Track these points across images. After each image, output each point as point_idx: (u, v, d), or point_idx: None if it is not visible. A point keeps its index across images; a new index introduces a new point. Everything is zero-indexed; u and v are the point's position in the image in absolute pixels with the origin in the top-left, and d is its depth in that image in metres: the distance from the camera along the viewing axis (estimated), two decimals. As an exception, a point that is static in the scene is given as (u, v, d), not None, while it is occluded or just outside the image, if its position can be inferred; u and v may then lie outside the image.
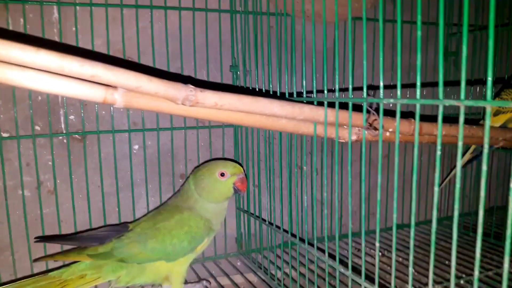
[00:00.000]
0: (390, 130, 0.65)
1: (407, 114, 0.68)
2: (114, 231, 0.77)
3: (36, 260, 0.79)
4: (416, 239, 1.09)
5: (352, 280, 0.61)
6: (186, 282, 0.85)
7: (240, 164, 0.80)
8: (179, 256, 0.75)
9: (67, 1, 0.84)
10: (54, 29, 0.85)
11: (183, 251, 0.75)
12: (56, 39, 0.85)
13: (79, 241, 0.76)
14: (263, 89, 0.85)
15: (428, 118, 0.66)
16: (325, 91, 0.64)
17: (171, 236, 0.74)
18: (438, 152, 0.43)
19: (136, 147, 0.93)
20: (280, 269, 0.85)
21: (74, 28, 0.86)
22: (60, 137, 0.87)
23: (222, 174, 0.76)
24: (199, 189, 0.77)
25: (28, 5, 0.82)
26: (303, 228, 0.73)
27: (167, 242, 0.73)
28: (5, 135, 0.83)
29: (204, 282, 0.83)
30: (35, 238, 0.84)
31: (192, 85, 0.57)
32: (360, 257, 0.59)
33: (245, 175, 0.79)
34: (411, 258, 0.50)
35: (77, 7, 0.85)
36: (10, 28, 0.82)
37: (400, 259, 0.98)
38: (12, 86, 0.79)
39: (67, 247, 0.79)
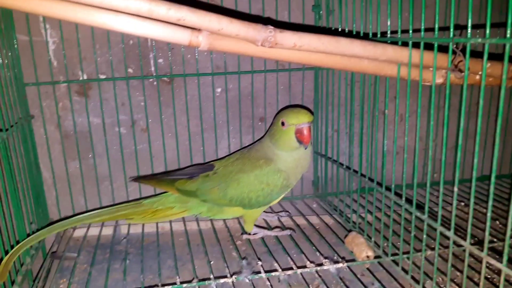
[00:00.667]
0: (480, 73, 0.61)
1: (498, 56, 0.63)
2: (200, 169, 0.84)
3: (133, 179, 0.90)
4: (505, 192, 1.03)
5: (428, 225, 0.61)
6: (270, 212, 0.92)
7: (311, 112, 0.77)
8: (254, 207, 0.79)
9: None
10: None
11: (258, 204, 0.78)
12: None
13: (170, 176, 0.83)
14: (346, 29, 0.83)
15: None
16: (410, 31, 0.61)
17: (249, 190, 0.77)
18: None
19: (219, 90, 0.97)
20: (356, 212, 0.86)
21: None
22: (151, 80, 0.94)
23: (283, 123, 0.74)
24: (271, 136, 0.78)
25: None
26: (382, 173, 0.73)
27: (244, 195, 0.77)
28: (102, 76, 0.91)
29: (289, 231, 0.86)
30: (130, 178, 0.95)
31: (272, 26, 0.57)
32: (438, 205, 0.59)
33: (309, 126, 0.74)
34: (489, 207, 0.48)
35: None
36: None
37: (484, 211, 0.94)
38: (107, 31, 0.86)
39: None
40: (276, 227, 0.90)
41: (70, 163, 0.94)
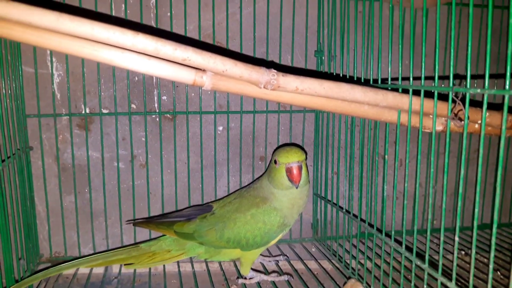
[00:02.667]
0: (479, 122, 0.62)
1: (497, 106, 0.64)
2: (199, 210, 0.83)
3: (130, 222, 0.88)
4: (505, 241, 1.02)
5: (428, 274, 0.59)
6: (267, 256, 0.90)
7: (304, 151, 0.76)
8: (252, 248, 0.78)
9: (163, -12, 0.90)
10: (151, 14, 0.91)
11: (256, 245, 0.77)
12: (153, 24, 0.91)
13: (168, 218, 0.83)
14: (347, 75, 0.84)
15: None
16: (411, 78, 0.62)
17: (246, 230, 0.76)
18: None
19: (221, 128, 0.98)
20: (355, 258, 0.84)
21: (169, 13, 0.91)
22: (153, 116, 0.94)
23: (275, 162, 0.74)
24: (267, 174, 0.78)
25: (130, -8, 0.89)
26: (382, 218, 0.72)
27: (241, 235, 0.76)
28: (104, 111, 0.92)
29: (287, 276, 0.84)
30: (126, 221, 0.94)
31: (275, 69, 0.58)
32: (439, 253, 0.57)
33: (300, 165, 0.72)
34: (491, 258, 0.47)
35: (173, -6, 0.91)
36: (113, 13, 0.89)
37: (485, 261, 0.92)
38: (112, 66, 0.87)
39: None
40: (273, 271, 0.87)
41: (65, 197, 0.93)
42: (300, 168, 0.72)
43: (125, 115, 0.92)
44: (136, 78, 0.92)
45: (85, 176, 0.93)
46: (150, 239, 0.85)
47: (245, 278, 0.82)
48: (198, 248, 0.80)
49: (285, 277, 0.83)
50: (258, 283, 0.81)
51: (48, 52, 0.88)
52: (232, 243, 0.77)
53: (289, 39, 0.97)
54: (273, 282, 0.82)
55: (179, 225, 0.79)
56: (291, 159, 0.72)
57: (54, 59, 0.88)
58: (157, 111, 0.94)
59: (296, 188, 0.73)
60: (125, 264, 0.79)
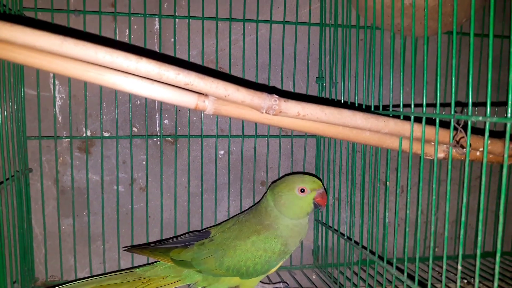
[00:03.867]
0: (480, 149, 0.61)
1: (498, 134, 0.64)
2: (196, 236, 0.82)
3: (126, 248, 0.86)
4: (508, 270, 1.00)
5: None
6: (267, 283, 0.89)
7: (319, 178, 0.79)
8: (252, 276, 0.76)
9: (167, 13, 0.92)
10: (155, 39, 0.92)
11: (256, 273, 0.76)
12: (156, 49, 0.93)
13: (165, 244, 0.81)
14: (349, 101, 0.84)
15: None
16: (412, 105, 0.63)
17: (246, 258, 0.75)
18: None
19: (222, 152, 0.98)
20: (356, 286, 0.83)
21: (172, 39, 0.92)
22: (155, 139, 0.94)
23: (302, 190, 0.75)
24: (279, 205, 0.76)
25: (133, 17, 0.90)
26: (383, 246, 0.71)
27: (241, 263, 0.75)
28: (106, 134, 0.92)
29: (283, 285, 0.83)
30: (123, 248, 0.92)
31: (277, 95, 0.58)
32: (441, 281, 0.56)
33: (324, 189, 0.78)
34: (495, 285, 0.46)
35: (176, 20, 0.92)
36: (117, 37, 0.90)
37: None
38: (115, 90, 0.88)
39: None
40: None
41: (63, 220, 0.92)
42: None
43: (126, 138, 0.92)
44: (139, 102, 0.93)
45: (84, 199, 0.92)
46: (146, 264, 0.83)
47: None
48: (195, 275, 0.79)
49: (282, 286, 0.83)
50: None
51: (51, 75, 0.88)
52: (232, 271, 0.75)
53: (291, 66, 0.98)
54: None
55: (176, 251, 0.77)
56: (320, 185, 0.77)
57: (57, 82, 0.89)
58: (158, 134, 0.94)
59: (322, 210, 0.77)
60: None
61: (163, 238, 0.95)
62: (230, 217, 0.97)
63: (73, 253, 0.92)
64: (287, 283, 0.91)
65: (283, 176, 0.84)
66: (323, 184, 0.78)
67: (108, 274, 0.79)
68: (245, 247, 0.75)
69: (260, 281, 0.86)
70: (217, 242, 0.78)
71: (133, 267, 0.83)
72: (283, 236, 0.76)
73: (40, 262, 0.91)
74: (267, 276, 0.94)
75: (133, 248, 0.85)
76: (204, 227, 0.97)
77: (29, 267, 0.87)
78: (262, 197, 0.85)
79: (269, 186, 0.82)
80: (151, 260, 0.90)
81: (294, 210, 0.76)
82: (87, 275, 0.93)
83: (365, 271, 0.93)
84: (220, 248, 0.76)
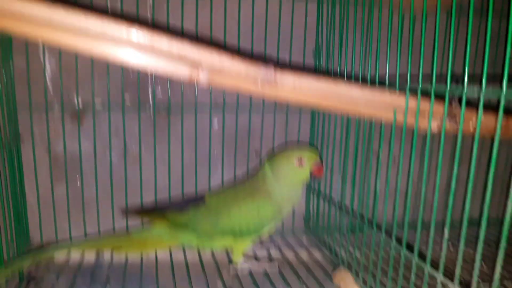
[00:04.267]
0: (474, 121, 0.62)
1: (492, 108, 0.64)
2: (192, 200, 0.83)
3: (123, 211, 0.89)
4: (493, 234, 1.03)
5: (417, 265, 0.60)
6: (256, 259, 0.91)
7: (316, 149, 0.81)
8: (245, 236, 0.79)
9: (160, -20, 0.89)
10: (147, 12, 0.90)
11: (248, 233, 0.79)
12: (149, 16, 0.90)
13: (161, 210, 0.83)
14: (345, 74, 0.84)
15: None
16: (408, 78, 0.62)
17: (240, 219, 0.77)
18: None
19: (216, 124, 0.97)
20: (345, 248, 0.85)
21: (165, 11, 0.90)
22: (147, 110, 0.93)
23: (300, 161, 0.77)
24: (276, 175, 0.78)
25: (125, -16, 0.88)
26: (373, 213, 0.73)
27: (235, 224, 0.77)
28: (98, 104, 0.91)
29: (277, 264, 0.85)
30: (119, 209, 0.94)
31: (273, 66, 0.58)
32: (428, 244, 0.59)
33: (321, 160, 0.79)
34: (479, 250, 0.48)
35: (169, -13, 0.90)
36: (108, 6, 0.88)
37: (470, 251, 0.94)
38: (106, 60, 0.86)
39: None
40: (265, 260, 0.88)
41: (56, 187, 0.92)
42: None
43: (118, 109, 0.91)
44: (131, 72, 0.91)
45: (77, 167, 0.92)
46: (142, 224, 0.85)
47: (237, 266, 0.83)
48: (190, 237, 0.81)
49: (276, 265, 0.85)
50: (250, 271, 0.82)
51: (41, 44, 0.86)
52: (226, 231, 0.78)
53: (288, 38, 0.96)
54: (264, 270, 0.82)
55: (172, 214, 0.80)
56: (316, 156, 0.79)
57: (46, 52, 0.87)
58: (151, 105, 0.93)
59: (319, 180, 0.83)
60: (114, 249, 0.80)
61: (157, 205, 0.96)
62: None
63: (68, 219, 0.92)
64: (279, 247, 0.93)
65: (281, 147, 0.85)
66: (320, 155, 0.79)
67: (105, 236, 0.81)
68: (239, 209, 0.77)
69: (254, 259, 0.89)
70: (212, 206, 0.80)
71: (127, 228, 0.85)
72: (277, 203, 0.78)
73: (35, 228, 0.92)
74: (260, 241, 0.96)
75: (131, 211, 0.87)
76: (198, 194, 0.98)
77: (24, 233, 0.88)
78: (259, 166, 0.86)
79: (267, 155, 0.83)
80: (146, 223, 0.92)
81: (291, 180, 0.78)
82: (82, 238, 0.94)
83: (354, 233, 0.95)
84: (215, 211, 0.79)
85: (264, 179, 0.80)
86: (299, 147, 0.81)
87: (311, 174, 0.78)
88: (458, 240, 0.53)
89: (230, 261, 0.86)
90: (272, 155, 0.81)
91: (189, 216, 0.79)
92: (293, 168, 0.77)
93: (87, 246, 0.78)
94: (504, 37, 0.45)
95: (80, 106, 0.90)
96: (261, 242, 0.97)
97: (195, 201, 0.83)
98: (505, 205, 0.43)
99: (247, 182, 0.83)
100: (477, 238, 0.48)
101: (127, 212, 0.87)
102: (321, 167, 0.79)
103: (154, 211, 0.82)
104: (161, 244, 0.82)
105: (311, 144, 1.01)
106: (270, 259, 0.88)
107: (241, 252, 0.82)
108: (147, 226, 0.84)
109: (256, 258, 0.89)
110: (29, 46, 0.85)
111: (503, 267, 0.76)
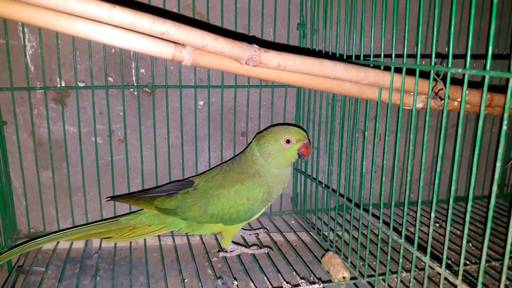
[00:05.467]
0: (458, 100, 0.62)
1: (476, 85, 0.64)
2: (180, 185, 0.83)
3: (110, 198, 0.88)
4: (477, 214, 1.05)
5: (404, 248, 0.61)
6: (248, 229, 0.92)
7: (303, 129, 0.81)
8: (235, 223, 0.78)
9: (141, -44, 0.86)
10: (128, -16, 0.88)
11: (239, 219, 0.78)
12: (130, -6, 0.88)
13: (149, 193, 0.82)
14: (330, 50, 0.83)
15: (502, 89, 0.62)
16: (393, 56, 0.62)
17: (229, 206, 0.76)
18: (504, 127, 0.41)
19: (201, 102, 0.96)
20: (333, 231, 0.86)
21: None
22: (131, 89, 0.92)
23: (288, 141, 0.77)
24: (265, 155, 0.78)
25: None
26: (360, 193, 0.73)
27: (225, 211, 0.77)
28: (81, 84, 0.89)
29: (267, 249, 0.85)
30: (106, 198, 0.93)
31: (257, 45, 0.57)
32: (415, 225, 0.59)
33: (308, 139, 0.80)
34: (465, 231, 0.49)
35: (150, -38, 0.87)
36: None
37: (458, 232, 0.96)
38: (88, 40, 0.84)
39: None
40: (254, 244, 0.88)
41: (42, 173, 0.91)
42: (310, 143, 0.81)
43: (102, 88, 0.90)
44: (113, 50, 0.90)
45: (62, 151, 0.91)
46: (130, 213, 0.84)
47: (226, 251, 0.83)
48: (179, 222, 0.80)
49: (265, 250, 0.85)
50: (239, 255, 0.82)
51: (20, 22, 0.84)
52: (216, 218, 0.77)
53: (272, 11, 0.95)
54: (253, 254, 0.83)
55: (160, 200, 0.79)
56: (303, 136, 0.79)
57: (26, 30, 0.84)
58: (135, 84, 0.91)
59: (304, 160, 0.84)
60: (104, 238, 0.79)
61: (145, 188, 0.96)
62: (213, 167, 0.98)
63: (55, 205, 0.92)
64: (267, 229, 0.94)
65: (269, 127, 0.84)
66: (307, 135, 0.79)
67: (93, 223, 0.80)
68: (228, 195, 0.77)
69: (242, 228, 0.89)
70: (201, 190, 0.79)
71: (117, 216, 0.84)
72: (267, 184, 0.78)
73: (21, 214, 0.91)
74: (249, 223, 0.97)
75: (117, 198, 0.85)
76: (185, 178, 0.98)
77: (11, 220, 0.87)
78: (247, 147, 0.85)
79: (255, 136, 0.83)
80: (134, 209, 0.92)
81: (279, 159, 0.78)
82: (69, 226, 0.94)
83: (342, 216, 0.97)
84: (204, 196, 0.78)
85: (253, 160, 0.79)
86: (287, 127, 0.80)
87: (299, 154, 0.78)
88: (446, 221, 0.53)
89: (220, 248, 0.86)
90: (260, 136, 0.81)
91: (177, 202, 0.78)
92: (281, 148, 0.77)
93: (75, 236, 0.77)
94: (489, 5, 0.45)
95: (63, 85, 0.88)
96: (250, 227, 0.97)
97: (184, 185, 0.82)
98: (491, 183, 0.43)
99: (235, 164, 0.82)
100: (464, 216, 0.49)
101: (114, 199, 0.86)
102: (309, 146, 0.79)
103: (143, 197, 0.81)
104: (151, 231, 0.81)
105: (297, 122, 1.01)
106: (259, 244, 0.88)
107: (230, 238, 0.82)
108: (136, 212, 0.83)
109: (245, 243, 0.89)
110: (7, 25, 0.82)
111: (490, 247, 0.78)
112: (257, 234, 0.92)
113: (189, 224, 0.80)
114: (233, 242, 0.83)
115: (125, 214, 0.84)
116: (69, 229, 0.78)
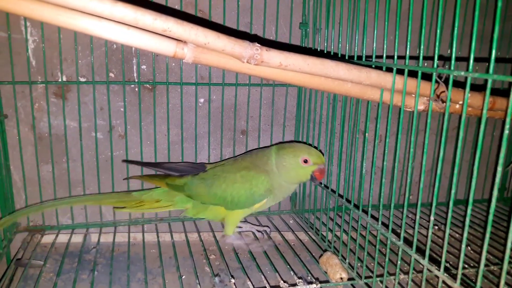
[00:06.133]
0: (460, 102, 0.62)
1: (478, 88, 0.64)
2: (193, 168, 0.87)
3: (126, 178, 0.92)
4: (477, 217, 1.05)
5: (403, 250, 0.61)
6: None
7: (323, 154, 0.82)
8: (237, 208, 0.80)
9: (144, -49, 0.86)
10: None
11: (240, 205, 0.79)
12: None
13: (161, 167, 0.87)
14: (332, 49, 0.83)
15: (504, 93, 0.62)
16: (395, 57, 0.62)
17: (232, 188, 0.79)
18: (506, 131, 0.41)
19: (202, 100, 0.96)
20: (331, 231, 0.86)
21: (149, -21, 0.88)
22: (132, 85, 0.92)
23: (305, 161, 0.78)
24: (280, 166, 0.79)
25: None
26: (359, 194, 0.73)
27: (227, 193, 0.79)
28: (82, 79, 0.89)
29: (267, 228, 0.88)
30: (122, 160, 0.94)
31: (259, 44, 0.57)
32: (414, 228, 0.59)
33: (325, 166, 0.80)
34: (465, 234, 0.49)
35: (154, -42, 0.87)
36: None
37: (456, 235, 0.95)
38: (90, 35, 0.84)
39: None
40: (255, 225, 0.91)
41: (42, 167, 0.91)
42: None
43: (103, 84, 0.89)
44: (115, 46, 0.89)
45: (62, 146, 0.91)
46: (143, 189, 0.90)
47: (228, 236, 0.85)
48: (186, 202, 0.84)
49: (266, 228, 0.90)
50: (236, 253, 0.83)
51: (22, 16, 0.83)
52: (218, 199, 0.80)
53: (274, 10, 0.94)
54: (251, 253, 0.83)
55: (171, 178, 0.83)
56: (323, 160, 0.79)
57: (28, 24, 0.84)
58: (136, 80, 0.91)
59: (316, 184, 0.85)
60: (115, 207, 0.84)
61: (143, 186, 0.95)
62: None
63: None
64: (268, 227, 0.94)
65: (291, 141, 0.86)
66: (325, 161, 0.80)
67: (105, 193, 0.86)
68: (233, 178, 0.79)
69: (247, 222, 0.92)
70: (210, 173, 0.83)
71: (130, 191, 0.89)
72: (271, 186, 0.79)
73: (21, 208, 0.91)
74: (257, 219, 0.97)
75: (133, 177, 0.91)
76: (199, 162, 0.99)
77: (10, 213, 0.87)
78: (265, 148, 0.86)
79: (277, 143, 0.86)
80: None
81: (291, 175, 0.79)
82: (69, 221, 0.94)
83: (340, 217, 0.97)
84: (211, 177, 0.81)
85: (267, 161, 0.81)
86: (309, 147, 0.81)
87: (312, 176, 0.79)
88: (445, 224, 0.53)
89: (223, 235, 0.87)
90: (281, 147, 0.82)
91: (186, 180, 0.82)
92: (297, 166, 0.78)
93: (87, 202, 0.83)
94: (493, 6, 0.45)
95: (64, 79, 0.88)
96: (259, 222, 0.97)
97: (196, 168, 0.86)
98: (491, 187, 0.43)
99: (249, 157, 0.84)
100: (463, 219, 0.49)
101: (128, 177, 0.92)
102: (323, 172, 0.80)
103: (156, 176, 0.87)
104: (159, 206, 0.84)
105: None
106: (257, 241, 0.89)
107: (233, 225, 0.83)
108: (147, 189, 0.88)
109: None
110: (10, 18, 0.82)
111: (488, 251, 0.77)
112: (265, 230, 0.93)
113: (194, 205, 0.84)
114: (236, 232, 0.86)
115: (137, 190, 0.88)
116: (81, 196, 0.84)
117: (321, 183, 0.85)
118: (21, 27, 0.84)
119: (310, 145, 0.89)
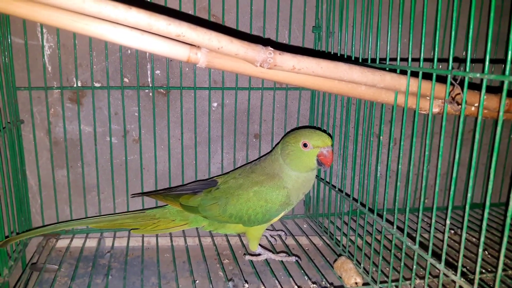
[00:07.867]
0: (476, 105, 0.61)
1: (494, 90, 0.63)
2: (204, 184, 0.84)
3: (137, 195, 0.91)
4: (494, 221, 1.03)
5: (418, 254, 0.60)
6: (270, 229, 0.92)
7: (330, 135, 0.76)
8: (254, 225, 0.78)
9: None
10: (145, -14, 0.88)
11: (257, 222, 0.77)
12: (146, -5, 0.89)
13: (172, 192, 0.84)
14: (345, 53, 0.83)
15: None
16: (409, 60, 0.61)
17: (247, 207, 0.76)
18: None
19: (215, 104, 0.97)
20: (346, 236, 0.85)
21: (163, -15, 0.88)
22: (146, 90, 0.93)
23: (305, 145, 0.73)
24: (284, 155, 0.76)
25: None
26: (374, 198, 0.72)
27: (243, 212, 0.76)
28: (97, 85, 0.90)
29: (295, 258, 0.83)
30: (132, 195, 0.94)
31: (272, 47, 0.57)
32: (429, 232, 0.58)
33: (332, 148, 0.75)
34: (482, 238, 0.48)
35: (167, -36, 0.88)
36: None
37: (473, 240, 0.94)
38: (104, 41, 0.85)
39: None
40: (282, 251, 0.87)
41: (57, 171, 0.92)
42: (333, 152, 0.75)
43: (117, 89, 0.90)
44: (129, 51, 0.90)
45: (77, 151, 0.92)
46: (156, 207, 0.88)
47: (252, 255, 0.83)
48: (201, 220, 0.81)
49: (294, 258, 0.83)
50: (267, 260, 0.82)
51: (38, 23, 0.85)
52: (234, 218, 0.77)
53: (287, 14, 0.95)
54: (281, 261, 0.82)
55: (185, 197, 0.80)
56: (326, 142, 0.74)
57: (44, 31, 0.86)
58: (150, 85, 0.92)
59: (325, 170, 0.78)
60: (131, 229, 0.81)
61: (158, 189, 0.96)
62: (237, 167, 0.98)
63: (69, 203, 0.93)
64: (284, 231, 0.93)
65: (298, 128, 0.83)
66: (331, 143, 0.75)
67: (119, 213, 0.83)
68: (247, 196, 0.76)
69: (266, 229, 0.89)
70: (222, 190, 0.79)
71: (143, 209, 0.87)
72: (286, 187, 0.76)
73: (36, 212, 0.92)
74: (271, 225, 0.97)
75: (146, 193, 0.89)
76: (197, 179, 0.98)
77: (26, 217, 0.88)
78: (276, 144, 0.84)
79: (284, 135, 0.82)
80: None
81: (296, 163, 0.75)
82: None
83: (355, 221, 0.96)
84: (224, 196, 0.78)
85: (275, 162, 0.78)
86: (311, 130, 0.76)
87: (318, 161, 0.74)
88: (461, 228, 0.52)
89: (246, 251, 0.86)
90: (286, 135, 0.79)
91: (200, 200, 0.79)
92: (299, 151, 0.74)
93: (102, 224, 0.80)
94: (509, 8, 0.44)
95: (79, 85, 0.89)
96: (273, 228, 0.97)
97: (207, 185, 0.83)
98: (508, 190, 0.42)
99: (258, 165, 0.81)
100: (480, 223, 0.48)
101: (143, 194, 0.90)
102: (329, 155, 0.74)
103: (169, 195, 0.83)
104: (174, 226, 0.82)
105: (311, 125, 1.00)
106: (288, 252, 0.86)
107: (255, 240, 0.81)
108: (161, 207, 0.85)
109: (272, 248, 0.88)
110: (26, 24, 0.83)
111: (506, 256, 0.76)
112: (279, 235, 0.92)
113: (211, 223, 0.81)
114: (260, 245, 0.83)
115: (151, 208, 0.87)
116: (95, 217, 0.82)
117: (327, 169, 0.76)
118: (38, 33, 0.86)
119: (319, 129, 0.85)
